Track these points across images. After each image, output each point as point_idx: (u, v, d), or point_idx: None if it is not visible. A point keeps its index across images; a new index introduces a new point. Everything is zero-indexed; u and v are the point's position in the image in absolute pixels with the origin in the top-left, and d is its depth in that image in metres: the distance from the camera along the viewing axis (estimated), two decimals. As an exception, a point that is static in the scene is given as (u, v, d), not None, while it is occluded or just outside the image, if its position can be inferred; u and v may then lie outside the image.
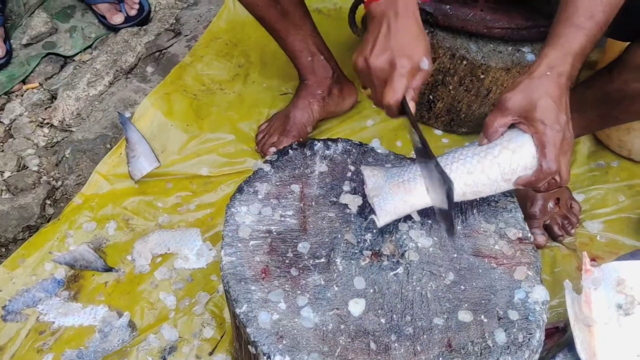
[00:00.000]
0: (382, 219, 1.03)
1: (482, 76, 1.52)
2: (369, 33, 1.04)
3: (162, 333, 1.31)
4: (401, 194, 1.03)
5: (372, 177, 1.08)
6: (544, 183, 0.98)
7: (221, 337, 1.31)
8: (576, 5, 1.00)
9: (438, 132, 1.73)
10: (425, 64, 1.01)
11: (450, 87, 1.59)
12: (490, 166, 1.00)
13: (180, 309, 1.36)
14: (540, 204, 1.48)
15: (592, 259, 1.46)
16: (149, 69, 1.89)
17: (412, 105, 1.01)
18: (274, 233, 1.06)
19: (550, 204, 1.49)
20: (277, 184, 1.13)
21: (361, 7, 1.56)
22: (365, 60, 1.01)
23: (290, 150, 1.19)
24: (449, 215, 0.93)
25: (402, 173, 1.05)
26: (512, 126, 1.01)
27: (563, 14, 1.01)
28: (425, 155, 0.99)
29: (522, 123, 0.98)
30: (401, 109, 1.02)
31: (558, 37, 1.00)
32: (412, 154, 1.55)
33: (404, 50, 0.99)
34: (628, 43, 1.26)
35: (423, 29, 1.03)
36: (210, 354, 1.30)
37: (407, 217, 1.08)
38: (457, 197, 1.02)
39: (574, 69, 0.99)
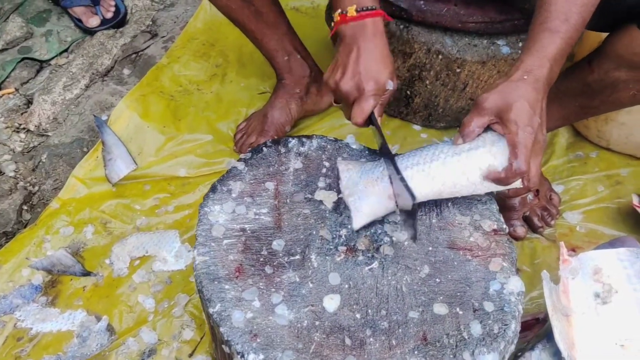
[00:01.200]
0: (357, 221, 1.04)
1: (458, 70, 1.52)
2: (339, 55, 1.11)
3: (141, 336, 1.30)
4: (376, 195, 1.04)
5: (346, 171, 1.08)
6: (512, 182, 0.98)
7: (201, 338, 1.30)
8: (550, 10, 1.01)
9: (417, 127, 1.73)
10: (391, 85, 1.10)
11: (427, 82, 1.58)
12: (471, 169, 1.00)
13: (159, 311, 1.35)
14: (519, 195, 1.48)
15: (572, 250, 1.47)
16: (126, 71, 1.88)
17: (379, 120, 1.10)
18: (248, 231, 1.05)
19: (530, 196, 1.49)
20: (251, 182, 1.13)
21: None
22: (336, 83, 1.10)
23: (264, 148, 1.18)
24: (413, 224, 1.00)
25: (376, 168, 1.05)
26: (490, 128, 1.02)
27: (538, 18, 1.02)
28: (390, 164, 1.04)
29: (498, 123, 0.99)
30: (368, 121, 1.10)
31: (534, 42, 1.01)
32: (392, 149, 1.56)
33: (371, 74, 1.08)
34: (605, 34, 1.27)
35: (389, 50, 1.11)
36: (190, 355, 1.28)
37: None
38: (434, 195, 1.04)
39: (553, 72, 1.00)
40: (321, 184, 1.13)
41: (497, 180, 0.99)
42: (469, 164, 1.00)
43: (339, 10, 1.09)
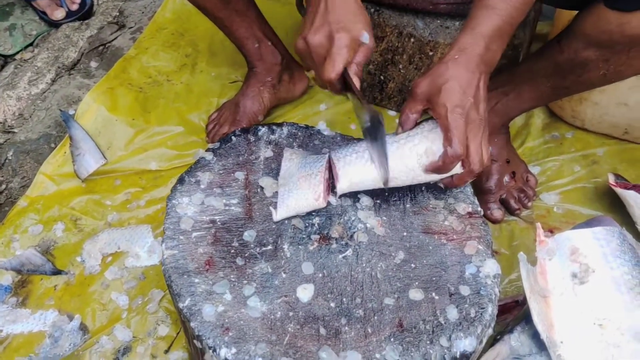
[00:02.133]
0: (280, 213, 1.02)
1: (430, 53, 1.50)
2: (308, 11, 1.03)
3: (115, 334, 1.27)
4: (305, 190, 1.01)
5: (287, 161, 1.06)
6: (451, 167, 0.96)
7: (177, 334, 1.28)
8: None
9: (392, 112, 1.71)
10: (366, 37, 0.99)
11: (400, 66, 1.56)
12: (408, 154, 0.98)
13: (133, 308, 1.31)
14: (495, 178, 1.47)
15: (550, 231, 1.46)
16: (93, 64, 1.83)
17: (356, 81, 1.00)
18: (218, 223, 1.02)
19: (506, 178, 1.48)
20: (221, 172, 1.10)
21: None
22: (304, 39, 1.00)
23: (233, 137, 1.15)
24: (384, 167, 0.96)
25: (315, 163, 1.03)
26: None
27: None
28: (373, 133, 0.98)
29: (430, 108, 0.97)
30: (345, 84, 1.01)
31: (470, 20, 0.98)
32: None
33: (342, 24, 0.98)
34: (576, 12, 1.25)
35: (362, 6, 1.02)
36: (166, 352, 1.26)
37: (356, 199, 1.06)
38: (373, 182, 1.01)
39: (489, 50, 0.96)
40: (292, 172, 1.10)
41: (437, 169, 0.97)
42: (405, 149, 0.98)
43: None
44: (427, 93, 0.96)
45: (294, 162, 1.06)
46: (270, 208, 1.03)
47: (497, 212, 1.46)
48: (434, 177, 1.00)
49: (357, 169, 1.01)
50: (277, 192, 1.05)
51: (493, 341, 1.10)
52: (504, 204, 1.49)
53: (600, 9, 1.10)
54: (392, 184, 1.01)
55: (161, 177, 1.56)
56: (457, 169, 0.98)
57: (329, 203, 1.04)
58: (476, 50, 0.95)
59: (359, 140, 1.10)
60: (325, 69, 0.98)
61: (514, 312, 1.24)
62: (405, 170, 0.99)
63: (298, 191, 1.01)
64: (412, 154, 0.98)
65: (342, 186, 1.02)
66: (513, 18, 0.97)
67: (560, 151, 1.65)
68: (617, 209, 1.47)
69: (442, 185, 1.05)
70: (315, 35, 0.98)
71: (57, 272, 1.38)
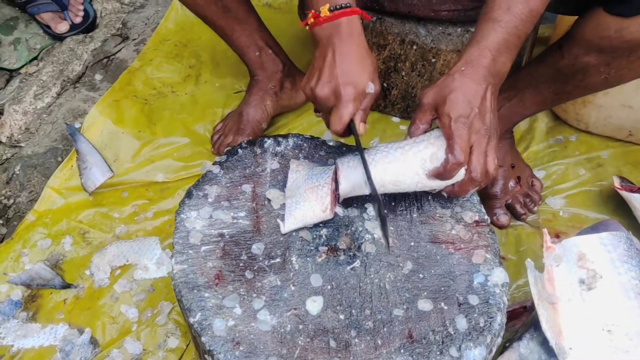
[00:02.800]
0: (287, 225, 1.02)
1: (433, 60, 1.51)
2: (315, 59, 1.06)
3: (125, 347, 1.27)
4: (312, 202, 1.02)
5: (294, 172, 1.06)
6: (453, 174, 0.97)
7: (187, 346, 1.28)
8: (495, 0, 0.98)
9: (395, 119, 1.71)
10: (372, 87, 1.03)
11: (403, 74, 1.57)
12: (412, 158, 0.99)
13: (143, 320, 1.32)
14: (501, 183, 1.47)
15: (556, 236, 1.46)
16: (98, 77, 1.84)
17: (362, 127, 1.04)
18: (227, 236, 1.03)
19: (511, 183, 1.48)
20: (228, 185, 1.10)
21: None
22: (312, 90, 1.04)
23: (239, 150, 1.16)
24: (384, 234, 0.98)
25: (322, 175, 1.04)
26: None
27: (483, 9, 1.01)
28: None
29: (437, 118, 0.98)
30: (349, 130, 1.04)
31: (476, 33, 0.99)
32: (371, 144, 1.55)
33: (349, 78, 1.01)
34: (576, 17, 1.25)
35: (369, 50, 1.05)
36: (177, 364, 1.26)
37: (363, 209, 1.06)
38: (378, 186, 1.01)
39: (497, 63, 0.97)
40: (299, 183, 1.11)
41: (439, 175, 0.97)
42: (410, 154, 0.99)
43: (312, 11, 1.04)
44: (433, 103, 0.98)
45: (300, 174, 1.07)
46: (278, 220, 1.04)
47: (503, 218, 1.46)
48: (438, 184, 1.01)
49: (359, 173, 1.02)
50: (284, 204, 1.06)
51: (502, 348, 1.10)
52: (510, 209, 1.49)
53: (600, 14, 1.11)
54: (395, 189, 1.02)
55: (168, 188, 1.56)
56: (459, 175, 0.98)
57: (335, 214, 1.04)
58: (482, 63, 0.96)
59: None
60: (332, 122, 1.02)
61: (522, 318, 1.24)
62: (409, 175, 1.00)
63: (305, 203, 1.02)
64: (416, 159, 0.99)
65: (344, 188, 1.03)
66: (519, 30, 0.98)
67: (564, 155, 1.65)
68: (623, 212, 1.47)
69: (445, 194, 1.05)
70: (323, 89, 1.02)
71: (66, 286, 1.39)
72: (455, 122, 0.94)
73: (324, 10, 1.02)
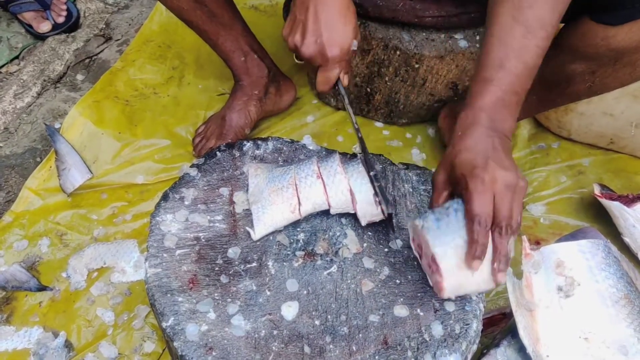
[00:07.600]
0: (258, 231, 1.01)
1: (416, 65, 1.51)
2: (296, 9, 1.04)
3: (100, 351, 1.26)
4: (278, 204, 1.01)
5: (254, 177, 1.05)
6: (484, 232, 0.87)
7: (163, 350, 1.27)
8: (486, 59, 0.94)
9: (379, 124, 1.71)
10: (355, 45, 1.05)
11: (387, 79, 1.56)
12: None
13: (119, 324, 1.30)
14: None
15: (537, 242, 1.46)
16: (79, 77, 1.82)
17: (346, 79, 1.09)
18: (203, 240, 1.02)
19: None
20: (205, 188, 1.09)
21: None
22: (297, 47, 1.04)
23: (218, 153, 1.15)
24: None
25: (284, 176, 1.03)
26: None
27: (475, 69, 0.97)
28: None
29: (454, 191, 0.93)
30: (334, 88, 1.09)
31: (470, 97, 0.94)
32: (353, 148, 1.54)
33: (335, 38, 1.02)
34: (562, 25, 1.26)
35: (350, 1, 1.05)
36: (152, 368, 1.25)
37: (341, 214, 1.05)
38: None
39: (495, 121, 0.91)
40: (278, 187, 1.10)
41: (473, 235, 0.87)
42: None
43: None
44: (445, 178, 0.93)
45: (260, 178, 1.05)
46: (247, 228, 1.02)
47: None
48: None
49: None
50: (247, 209, 1.05)
51: (480, 355, 1.09)
52: (491, 216, 1.48)
53: (586, 22, 1.11)
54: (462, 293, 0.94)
55: (148, 191, 1.55)
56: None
57: (313, 217, 1.03)
58: (479, 123, 0.91)
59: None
60: (318, 82, 1.06)
61: (501, 325, 1.24)
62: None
63: (272, 206, 1.01)
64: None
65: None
66: (515, 85, 0.92)
67: (546, 162, 1.65)
68: (603, 219, 1.48)
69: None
70: (309, 48, 1.03)
71: (42, 288, 1.37)
72: (470, 177, 0.87)
73: None
